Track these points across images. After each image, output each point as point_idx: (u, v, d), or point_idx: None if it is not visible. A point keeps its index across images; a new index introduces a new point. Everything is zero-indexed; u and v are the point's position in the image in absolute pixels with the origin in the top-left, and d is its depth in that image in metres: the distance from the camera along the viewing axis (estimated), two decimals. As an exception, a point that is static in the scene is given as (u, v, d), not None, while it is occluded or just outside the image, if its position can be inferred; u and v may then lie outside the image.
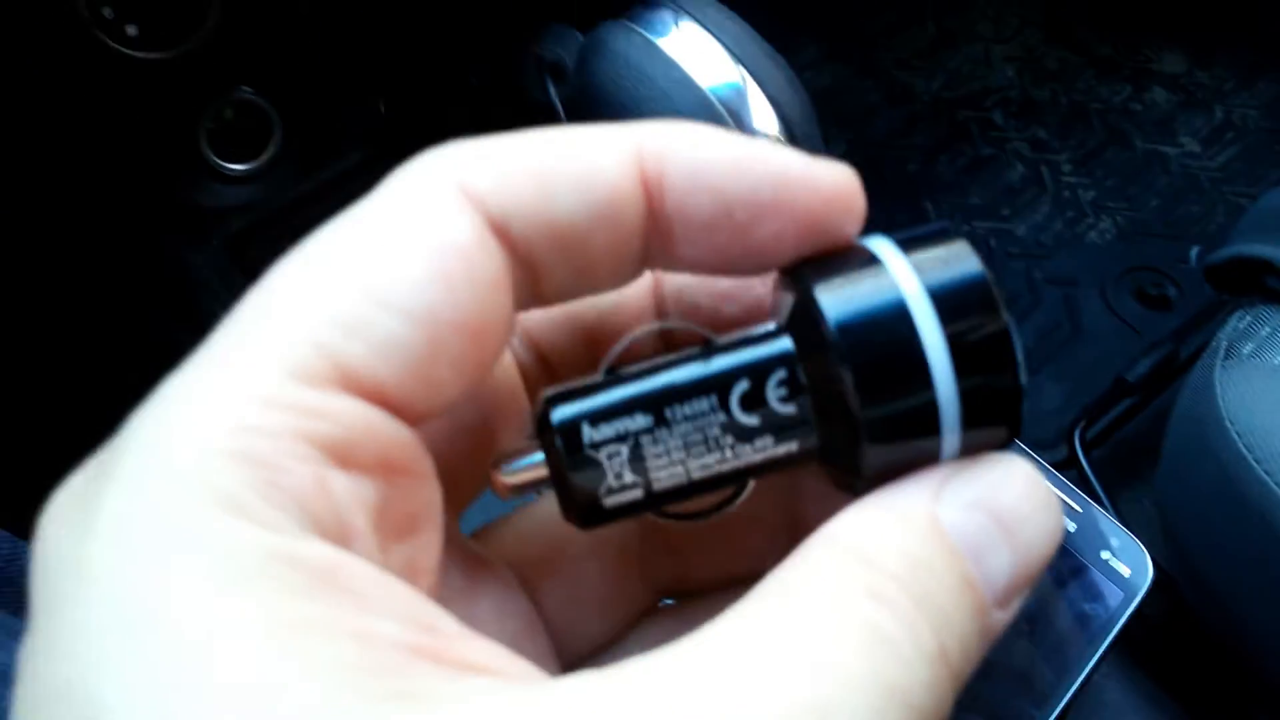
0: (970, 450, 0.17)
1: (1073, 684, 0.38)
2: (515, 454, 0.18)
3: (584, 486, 0.17)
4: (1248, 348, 0.45)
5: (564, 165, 0.16)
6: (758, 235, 0.17)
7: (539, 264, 0.16)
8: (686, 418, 0.17)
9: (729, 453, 0.17)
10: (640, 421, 0.17)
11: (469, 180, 0.16)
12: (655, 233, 0.17)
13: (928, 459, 0.17)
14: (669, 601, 0.21)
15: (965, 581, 0.16)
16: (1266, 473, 0.40)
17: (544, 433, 0.17)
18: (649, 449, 0.17)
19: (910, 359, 0.16)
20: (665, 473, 0.17)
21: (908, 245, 0.17)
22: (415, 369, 0.15)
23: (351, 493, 0.14)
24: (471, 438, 0.19)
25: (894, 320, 0.16)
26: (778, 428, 0.17)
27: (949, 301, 0.16)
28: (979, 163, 0.94)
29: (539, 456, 0.17)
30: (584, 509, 0.17)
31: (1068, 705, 0.38)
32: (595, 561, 0.20)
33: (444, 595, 0.17)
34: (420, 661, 0.13)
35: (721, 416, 0.17)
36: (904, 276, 0.17)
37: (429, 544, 0.16)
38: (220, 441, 0.14)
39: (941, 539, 0.16)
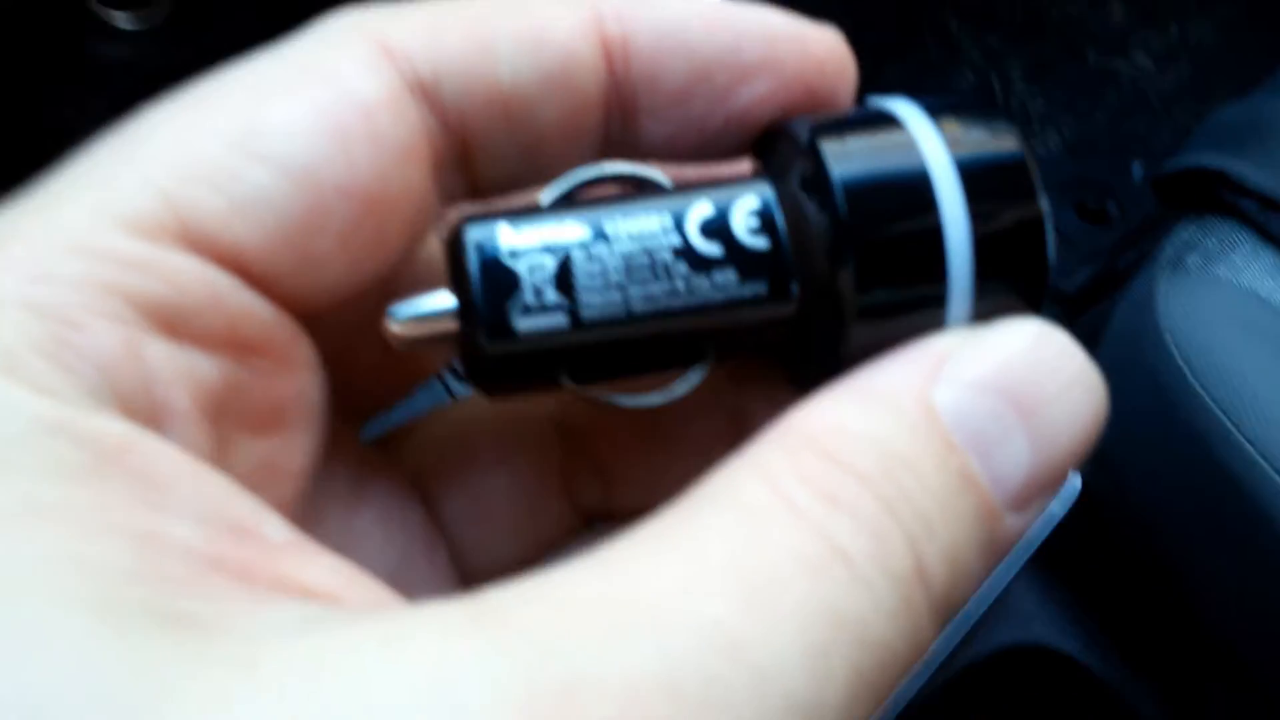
0: (983, 317, 0.14)
1: (992, 595, 0.37)
2: (409, 298, 0.14)
3: (494, 303, 0.14)
4: (1192, 259, 0.44)
5: (510, 24, 0.14)
6: (739, 101, 0.15)
7: (477, 137, 0.14)
8: (632, 235, 0.14)
9: (680, 283, 0.14)
10: (574, 232, 0.14)
11: (392, 35, 0.13)
12: (616, 105, 0.15)
13: (927, 328, 0.14)
14: None
15: (964, 480, 0.13)
16: (1202, 387, 0.39)
17: (454, 248, 0.14)
18: (582, 265, 0.14)
19: (916, 190, 0.13)
20: (599, 298, 0.14)
21: (932, 107, 0.14)
22: (288, 236, 0.13)
23: (174, 366, 0.12)
24: (382, 340, 0.16)
25: (904, 174, 0.13)
26: (744, 263, 0.14)
27: (973, 165, 0.14)
28: (928, 68, 0.91)
29: (443, 299, 0.14)
30: (491, 337, 0.14)
31: (984, 615, 0.37)
32: (505, 475, 0.18)
33: (321, 503, 0.15)
34: (216, 576, 0.11)
35: (675, 239, 0.14)
36: (925, 135, 0.14)
37: (296, 444, 0.14)
38: (10, 288, 0.11)
39: (933, 427, 0.13)
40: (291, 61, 0.13)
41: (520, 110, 0.14)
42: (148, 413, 0.12)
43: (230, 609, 0.10)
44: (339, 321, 0.14)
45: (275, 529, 0.12)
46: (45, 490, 0.10)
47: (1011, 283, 0.14)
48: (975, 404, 0.13)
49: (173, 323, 0.12)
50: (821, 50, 0.15)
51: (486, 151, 0.15)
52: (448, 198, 0.15)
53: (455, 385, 0.17)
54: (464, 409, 0.18)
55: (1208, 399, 0.38)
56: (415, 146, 0.14)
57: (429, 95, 0.14)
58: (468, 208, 0.16)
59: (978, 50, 0.92)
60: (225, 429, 0.13)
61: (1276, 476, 0.36)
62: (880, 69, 0.89)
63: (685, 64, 0.15)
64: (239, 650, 0.10)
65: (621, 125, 0.15)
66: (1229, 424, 0.38)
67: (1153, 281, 0.43)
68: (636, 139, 0.15)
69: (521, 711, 0.10)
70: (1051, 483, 0.13)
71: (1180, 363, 0.40)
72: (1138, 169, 0.84)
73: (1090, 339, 0.49)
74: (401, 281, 0.15)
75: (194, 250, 0.12)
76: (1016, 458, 0.13)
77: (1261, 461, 0.37)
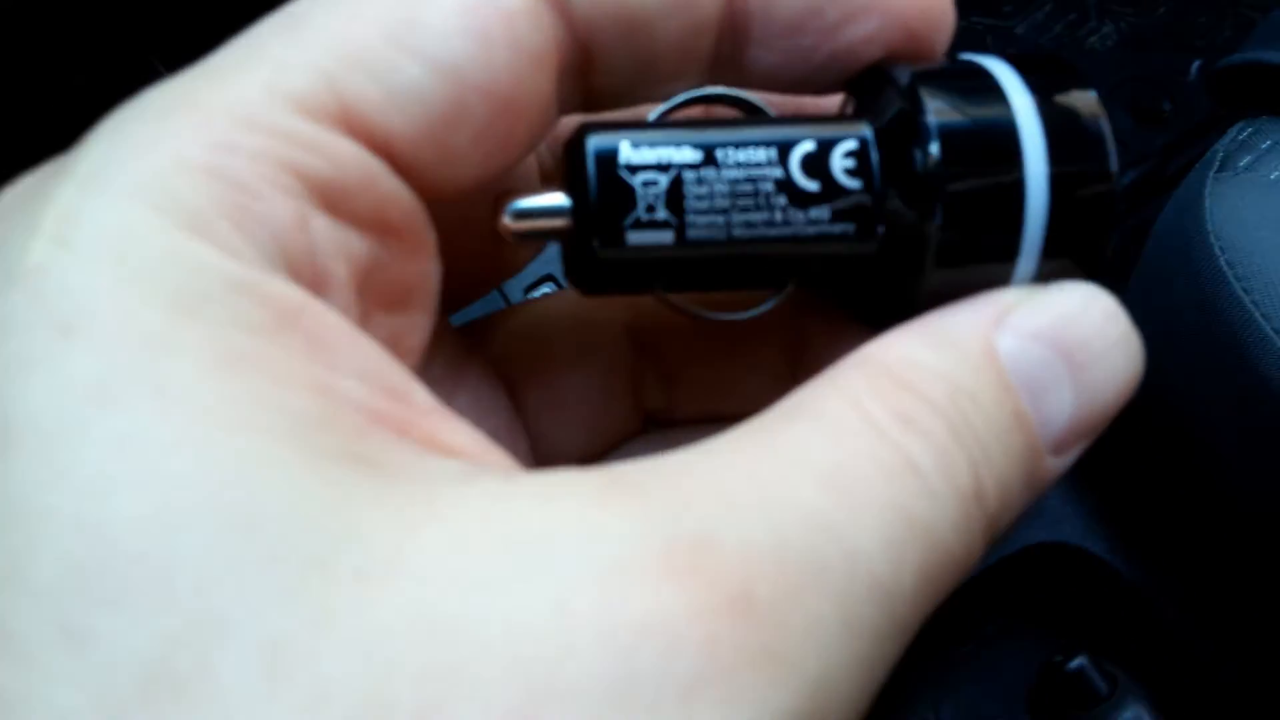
0: (1043, 279, 0.15)
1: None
2: (527, 193, 0.16)
3: (610, 214, 0.15)
4: (1245, 160, 0.42)
5: None
6: (846, 38, 0.16)
7: (598, 48, 0.15)
8: (740, 164, 0.15)
9: (778, 215, 0.15)
10: (688, 155, 0.15)
11: None
12: (729, 31, 0.15)
13: (994, 282, 0.15)
14: None
15: (1017, 419, 0.14)
16: (1244, 290, 0.38)
17: (574, 154, 0.15)
18: (692, 187, 0.15)
19: (1005, 150, 0.14)
20: (704, 220, 0.15)
21: (1027, 70, 0.15)
22: (432, 128, 0.14)
23: (335, 240, 0.13)
24: (480, 234, 0.17)
25: (996, 130, 0.15)
26: (838, 201, 0.15)
27: (1059, 133, 0.15)
28: (984, -47, 0.88)
29: (556, 198, 0.15)
30: (603, 244, 0.15)
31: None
32: (583, 372, 0.19)
33: (425, 384, 0.16)
34: (383, 430, 0.12)
35: (779, 172, 0.15)
36: (1018, 97, 0.15)
37: (418, 323, 0.15)
38: (194, 154, 0.12)
39: (995, 369, 0.14)
40: None
41: (642, 27, 0.15)
42: (311, 281, 0.13)
43: (398, 458, 0.12)
44: (448, 212, 0.15)
45: (421, 395, 0.13)
46: (240, 341, 0.12)
47: (1075, 251, 0.15)
48: (1031, 352, 0.15)
49: (333, 200, 0.13)
50: None
51: (605, 64, 0.15)
52: (564, 106, 0.16)
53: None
54: (544, 307, 0.19)
55: (1249, 303, 0.38)
56: (547, 54, 0.14)
57: (561, 5, 0.14)
58: (574, 118, 0.17)
59: (1036, -64, 0.89)
60: (365, 303, 0.14)
61: (1315, 383, 0.36)
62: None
63: None
64: (416, 490, 0.12)
65: (731, 51, 0.16)
66: (1269, 330, 0.37)
67: (1201, 182, 0.42)
68: (743, 66, 0.16)
69: (660, 557, 0.11)
70: (1089, 432, 0.15)
71: (1224, 265, 0.39)
72: (1196, 67, 0.82)
73: (1137, 239, 0.48)
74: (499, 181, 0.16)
75: (352, 134, 0.13)
76: (1062, 405, 0.15)
77: (1300, 368, 0.36)
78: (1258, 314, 0.37)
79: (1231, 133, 0.44)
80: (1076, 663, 0.38)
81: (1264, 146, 0.42)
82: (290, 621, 0.10)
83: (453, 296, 0.17)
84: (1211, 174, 0.42)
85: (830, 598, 0.12)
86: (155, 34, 0.53)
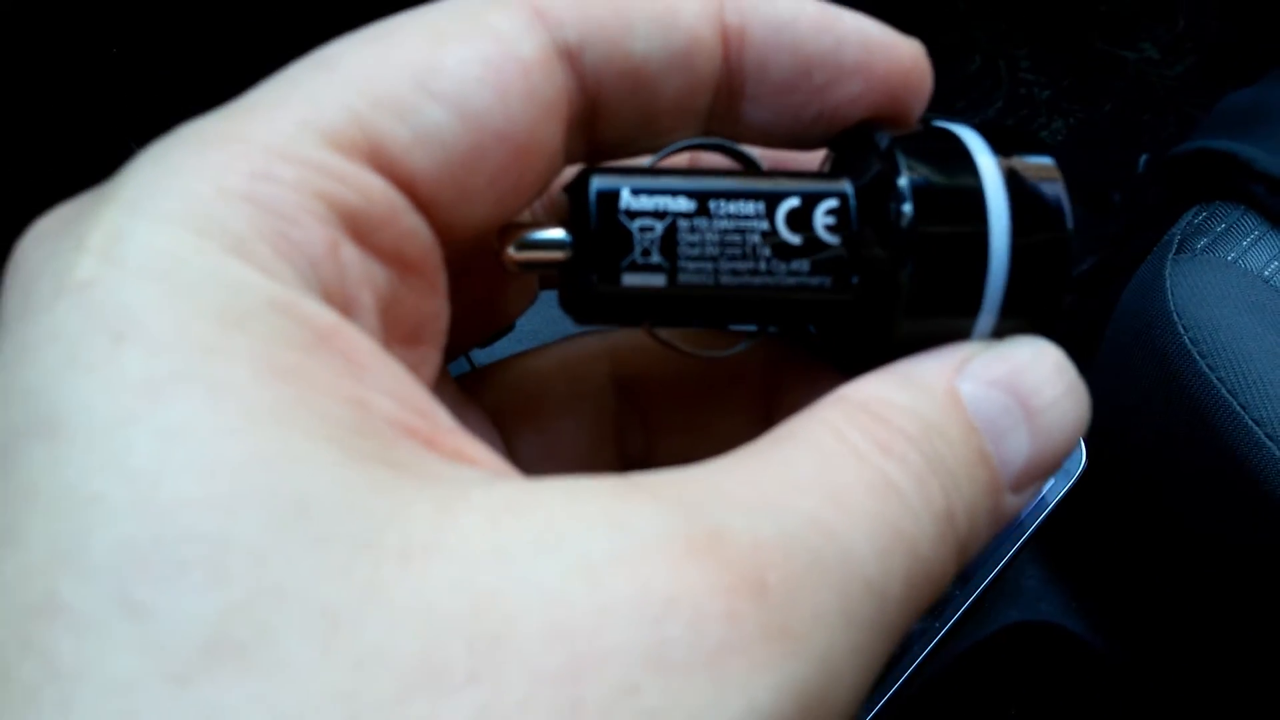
0: (1000, 334, 0.16)
1: (996, 566, 0.37)
2: (531, 227, 0.16)
3: (607, 255, 0.16)
4: (1201, 242, 0.44)
5: (648, 3, 0.16)
6: (833, 98, 0.17)
7: (605, 102, 0.16)
8: (730, 215, 0.16)
9: (763, 264, 0.16)
10: (682, 204, 0.16)
11: (546, 2, 0.15)
12: (725, 88, 0.16)
13: (956, 335, 0.16)
14: None
15: (980, 456, 0.15)
16: (1209, 368, 0.39)
17: (577, 195, 0.16)
18: (685, 235, 0.16)
19: (971, 228, 0.16)
20: (694, 266, 0.16)
21: (993, 138, 0.16)
22: (452, 169, 0.14)
23: (362, 269, 0.14)
24: (482, 281, 0.18)
25: (965, 193, 0.16)
26: (818, 256, 0.16)
27: (1022, 199, 0.16)
28: (935, 52, 0.92)
29: (558, 233, 0.16)
30: (601, 280, 0.16)
31: (988, 587, 0.37)
32: (572, 419, 0.20)
33: None
34: (413, 442, 0.13)
35: (764, 225, 0.16)
36: (984, 163, 0.16)
37: (429, 359, 0.16)
38: (234, 182, 0.13)
39: (959, 411, 0.15)
40: (461, 13, 0.15)
41: (646, 84, 0.16)
42: (342, 305, 0.13)
43: (430, 466, 0.13)
44: (451, 261, 0.16)
45: (442, 415, 0.14)
46: (283, 354, 0.12)
47: (1031, 306, 0.16)
48: (991, 398, 0.16)
49: (361, 231, 0.14)
50: (908, 60, 0.17)
51: (611, 116, 0.16)
52: (570, 154, 0.16)
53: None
54: (534, 360, 0.20)
55: (1215, 380, 0.39)
56: (558, 105, 0.15)
57: (573, 60, 0.15)
58: (572, 169, 0.17)
59: (985, 36, 0.92)
60: (385, 334, 0.14)
61: (1283, 457, 0.37)
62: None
63: (791, 59, 0.16)
64: (450, 488, 0.12)
65: (727, 107, 0.17)
66: (1237, 406, 0.38)
67: (1161, 264, 0.43)
68: (737, 121, 0.17)
69: (683, 544, 0.12)
70: (1043, 472, 0.16)
71: (1188, 344, 0.40)
72: (1144, 160, 0.85)
73: (1097, 322, 0.49)
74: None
75: (379, 170, 0.14)
76: (1019, 446, 0.16)
77: (1269, 443, 0.37)
78: (1224, 390, 0.38)
79: (1187, 217, 0.46)
80: (1063, 742, 0.38)
81: (1219, 229, 0.44)
82: (343, 594, 0.11)
83: (457, 337, 0.18)
84: (1170, 256, 0.43)
85: (831, 590, 0.13)
86: (130, 117, 0.54)
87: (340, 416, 0.12)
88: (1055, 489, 0.39)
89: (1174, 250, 0.44)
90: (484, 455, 0.14)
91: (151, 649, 0.10)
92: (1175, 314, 0.41)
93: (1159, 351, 0.41)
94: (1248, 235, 0.43)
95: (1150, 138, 0.89)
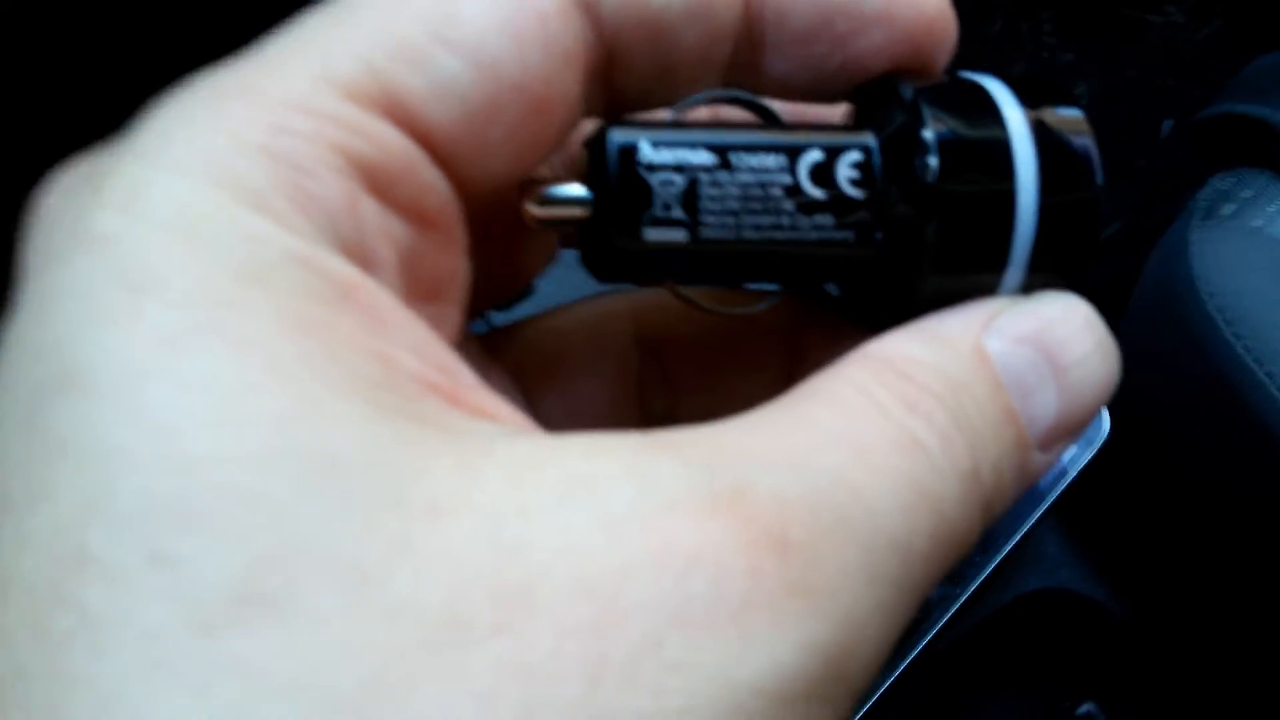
0: (1027, 290, 0.16)
1: (1017, 532, 0.37)
2: (552, 182, 0.16)
3: (628, 210, 0.15)
4: (1227, 209, 0.43)
5: None
6: (855, 48, 0.16)
7: (623, 52, 0.16)
8: (752, 169, 0.16)
9: (785, 219, 0.16)
10: (704, 158, 0.16)
11: None
12: (745, 39, 0.16)
13: (982, 291, 0.16)
14: None
15: (1007, 414, 0.15)
16: (1234, 335, 0.38)
17: (596, 150, 0.16)
18: (706, 189, 0.16)
19: (998, 182, 0.15)
20: (716, 220, 0.16)
21: (1021, 90, 0.16)
22: (469, 121, 0.14)
23: (381, 223, 0.14)
24: (502, 239, 0.18)
25: (991, 146, 0.15)
26: (841, 210, 0.16)
27: (1050, 151, 0.15)
28: (958, 12, 0.91)
29: (579, 189, 0.16)
30: (622, 236, 0.16)
31: (1009, 554, 0.37)
32: (595, 378, 0.20)
33: None
34: (436, 398, 0.13)
35: (787, 178, 0.16)
36: (1012, 116, 0.16)
37: (449, 317, 0.15)
38: (251, 135, 0.13)
39: (986, 368, 0.15)
40: None
41: (664, 34, 0.15)
42: (362, 261, 0.13)
43: (452, 420, 0.12)
44: (470, 218, 0.16)
45: (466, 373, 0.14)
46: (305, 307, 0.12)
47: (1059, 261, 0.16)
48: (1019, 354, 0.15)
49: (379, 184, 0.13)
50: (931, 10, 0.17)
51: (628, 68, 0.16)
52: (588, 106, 0.16)
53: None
54: (557, 318, 0.20)
55: (1239, 348, 0.38)
56: (576, 55, 0.15)
57: (590, 10, 0.15)
58: (590, 122, 0.17)
59: None
60: (405, 290, 0.14)
61: (1308, 425, 0.36)
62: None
63: (812, 8, 0.16)
64: (474, 443, 0.12)
65: (747, 58, 0.16)
66: (1262, 374, 0.38)
67: (1186, 230, 0.43)
68: (758, 73, 0.17)
69: (707, 500, 0.12)
70: (1071, 430, 0.16)
71: (1212, 311, 0.39)
72: (1168, 125, 0.84)
73: (1121, 289, 0.49)
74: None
75: (396, 122, 0.14)
76: (1047, 404, 0.16)
77: (1293, 411, 0.37)
78: (1249, 359, 0.38)
79: (1213, 183, 0.45)
80: (1084, 709, 0.38)
81: (1245, 195, 0.43)
82: (370, 548, 0.11)
83: (478, 294, 0.18)
84: (1195, 223, 0.43)
85: (855, 547, 0.13)
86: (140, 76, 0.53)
87: (364, 371, 0.12)
88: (1079, 457, 0.38)
89: (1199, 217, 0.43)
90: (506, 412, 0.14)
91: (179, 599, 0.10)
92: (1200, 281, 0.40)
93: (1183, 319, 0.41)
94: (1275, 201, 0.43)
95: (1175, 102, 0.88)
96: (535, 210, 0.16)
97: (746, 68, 0.17)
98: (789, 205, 0.16)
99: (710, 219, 0.16)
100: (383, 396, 0.12)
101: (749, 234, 0.16)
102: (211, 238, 0.12)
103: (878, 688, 0.35)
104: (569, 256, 0.20)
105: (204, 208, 0.12)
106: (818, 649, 0.12)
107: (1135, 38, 0.91)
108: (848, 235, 0.16)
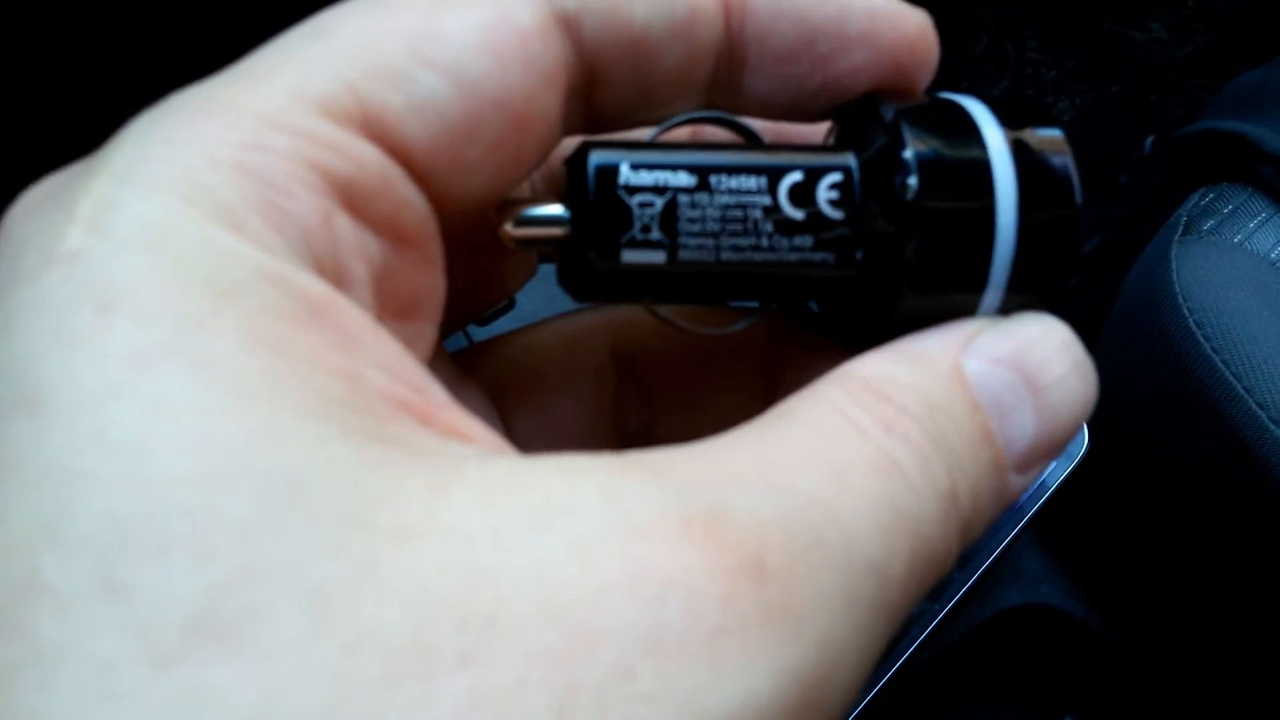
0: (1006, 311, 0.16)
1: (997, 549, 0.37)
2: (529, 202, 0.16)
3: (606, 232, 0.15)
4: (1208, 224, 0.43)
5: None
6: (836, 68, 0.16)
7: (604, 72, 0.16)
8: (731, 190, 0.16)
9: (765, 241, 0.16)
10: (683, 179, 0.16)
11: None
12: (727, 59, 0.16)
13: (961, 312, 0.16)
14: None
15: (985, 434, 0.15)
16: (1213, 350, 0.39)
17: (575, 171, 0.16)
18: (685, 211, 0.16)
19: (978, 202, 0.15)
20: (695, 242, 0.16)
21: (1001, 111, 0.16)
22: (448, 138, 0.14)
23: (356, 240, 0.14)
24: (480, 255, 0.18)
25: (972, 166, 0.15)
26: (820, 230, 0.16)
27: (1029, 172, 0.16)
28: (942, 33, 0.91)
29: (556, 209, 0.16)
30: (600, 257, 0.15)
31: (988, 569, 0.37)
32: (571, 395, 0.20)
33: None
34: (407, 417, 0.13)
35: (766, 200, 0.16)
36: (992, 136, 0.16)
37: (424, 334, 0.15)
38: (224, 152, 0.12)
39: (964, 388, 0.15)
40: None
41: (646, 53, 0.15)
42: (335, 278, 0.13)
43: (423, 441, 0.12)
44: (447, 235, 0.16)
45: (437, 390, 0.13)
46: (274, 326, 0.12)
47: (1037, 282, 0.16)
48: (996, 375, 0.15)
49: (354, 201, 0.13)
50: (914, 30, 0.16)
51: (609, 87, 0.16)
52: (569, 125, 0.16)
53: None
54: (534, 335, 0.20)
55: (1219, 363, 0.38)
56: (557, 74, 0.15)
57: (571, 29, 0.15)
58: (571, 141, 0.17)
59: (992, 15, 0.92)
60: (379, 307, 0.14)
61: (1287, 440, 0.36)
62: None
63: (793, 28, 0.16)
64: (444, 465, 0.12)
65: (728, 78, 0.16)
66: (1240, 389, 0.38)
67: (1166, 245, 0.43)
68: (738, 92, 0.17)
69: (677, 523, 0.12)
70: (1049, 451, 0.16)
71: (1193, 327, 0.40)
72: (1150, 142, 0.84)
73: (1102, 303, 0.49)
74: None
75: (373, 139, 0.13)
76: (1024, 425, 0.15)
77: (1272, 427, 0.37)
78: (1228, 373, 0.38)
79: (1194, 198, 0.45)
80: (1063, 724, 0.38)
81: (1226, 211, 0.43)
82: (333, 573, 0.11)
83: (453, 313, 0.18)
84: (1176, 238, 0.43)
85: (832, 571, 0.12)
86: (130, 90, 0.53)
87: (332, 391, 0.12)
88: (1057, 472, 0.39)
89: (1180, 232, 0.44)
90: (479, 431, 0.13)
91: (133, 630, 0.10)
92: (1180, 296, 0.41)
93: (1163, 334, 0.41)
94: (1255, 217, 0.43)
95: (1158, 119, 0.89)
96: (512, 231, 0.16)
97: (727, 87, 0.17)
98: (768, 226, 0.16)
99: (689, 241, 0.16)
100: (351, 417, 0.12)
101: (728, 255, 0.16)
102: (182, 255, 0.12)
103: (855, 706, 0.35)
104: (548, 271, 0.20)
105: (175, 225, 0.12)
106: (794, 676, 0.12)
107: (1118, 54, 0.92)
108: (827, 256, 0.16)
